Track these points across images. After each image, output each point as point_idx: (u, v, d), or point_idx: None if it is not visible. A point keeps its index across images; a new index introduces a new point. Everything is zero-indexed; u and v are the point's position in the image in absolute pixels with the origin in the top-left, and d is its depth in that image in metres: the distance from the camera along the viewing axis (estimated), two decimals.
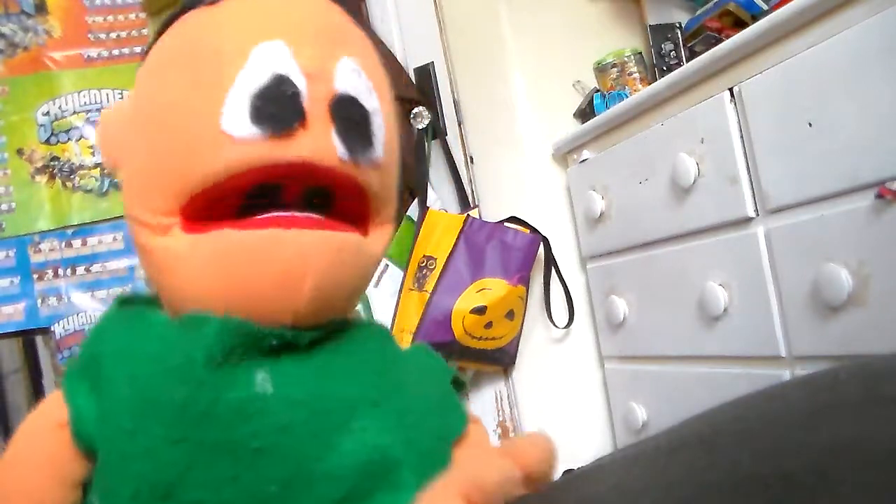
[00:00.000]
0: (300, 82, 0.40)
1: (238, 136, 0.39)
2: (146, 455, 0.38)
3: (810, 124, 0.86)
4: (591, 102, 1.43)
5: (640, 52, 1.43)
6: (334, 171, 0.41)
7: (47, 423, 0.42)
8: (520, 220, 1.43)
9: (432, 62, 1.57)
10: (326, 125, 0.40)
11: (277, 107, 0.39)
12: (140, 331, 0.42)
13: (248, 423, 0.37)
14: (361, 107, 0.42)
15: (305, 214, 0.41)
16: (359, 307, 1.54)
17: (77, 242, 2.18)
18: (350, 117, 0.41)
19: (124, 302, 0.47)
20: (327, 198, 0.43)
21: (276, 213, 0.41)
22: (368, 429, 0.40)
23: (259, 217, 0.40)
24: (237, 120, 0.39)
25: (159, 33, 0.46)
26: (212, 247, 0.40)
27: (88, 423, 0.40)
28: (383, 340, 0.48)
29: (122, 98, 2.26)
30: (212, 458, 0.37)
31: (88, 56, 2.23)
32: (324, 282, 0.40)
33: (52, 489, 0.41)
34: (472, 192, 1.52)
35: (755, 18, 1.15)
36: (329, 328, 0.42)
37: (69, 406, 0.41)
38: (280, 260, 0.39)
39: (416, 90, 1.57)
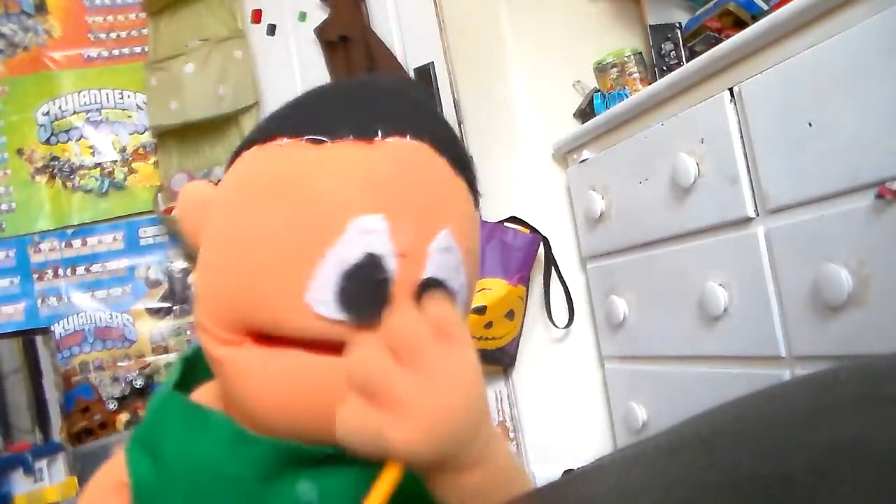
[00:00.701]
0: (392, 265, 0.39)
1: (322, 314, 0.39)
2: None
3: (810, 124, 0.86)
4: (591, 102, 1.43)
5: (640, 52, 1.43)
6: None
7: (112, 480, 0.45)
8: (520, 220, 1.43)
9: (432, 62, 1.57)
10: (409, 306, 0.40)
11: (364, 293, 0.38)
12: (199, 433, 0.43)
13: None
14: (447, 290, 0.41)
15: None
16: None
17: (77, 242, 2.18)
18: (434, 298, 0.40)
19: (189, 360, 0.49)
20: None
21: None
22: None
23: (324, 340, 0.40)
24: (323, 298, 0.39)
25: (253, 139, 0.45)
26: (285, 365, 0.40)
27: (147, 491, 0.43)
28: None
29: (121, 98, 2.26)
30: None
31: (88, 56, 2.24)
32: None
33: None
34: None
35: (755, 18, 1.15)
36: None
37: (130, 472, 0.44)
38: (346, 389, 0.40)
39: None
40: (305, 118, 0.43)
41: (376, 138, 0.41)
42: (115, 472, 0.45)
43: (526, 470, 0.43)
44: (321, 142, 0.41)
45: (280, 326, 0.40)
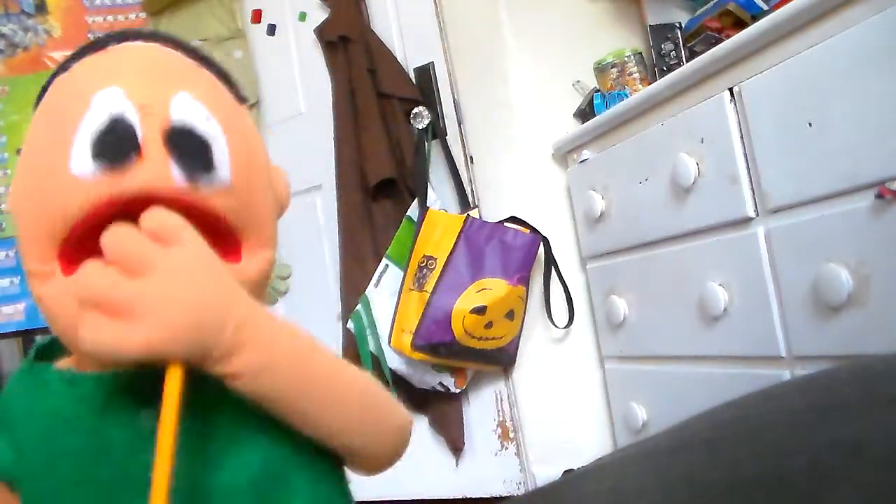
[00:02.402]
0: (134, 118, 0.43)
1: (81, 176, 0.42)
2: (55, 495, 0.43)
3: (810, 124, 0.86)
4: (591, 102, 1.43)
5: (640, 52, 1.43)
6: (175, 197, 0.43)
7: None
8: (520, 220, 1.43)
9: (432, 62, 1.57)
10: (162, 154, 0.42)
11: (113, 142, 0.42)
12: (40, 388, 0.46)
13: (138, 457, 0.41)
14: (196, 135, 0.44)
15: None
16: (359, 308, 1.55)
17: None
18: (186, 144, 0.43)
19: (47, 345, 0.51)
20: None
21: None
22: (255, 448, 0.44)
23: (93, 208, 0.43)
24: (81, 161, 0.42)
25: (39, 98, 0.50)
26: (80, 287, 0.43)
27: (6, 464, 0.45)
28: None
29: None
30: (110, 492, 0.43)
31: None
32: None
33: None
34: (472, 192, 1.52)
35: (755, 18, 1.15)
36: None
37: None
38: None
39: (417, 90, 1.57)
40: (69, 61, 0.49)
41: (109, 47, 0.48)
42: None
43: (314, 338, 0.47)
44: (69, 67, 0.48)
45: (62, 212, 0.42)
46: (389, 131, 1.57)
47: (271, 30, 1.92)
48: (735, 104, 0.98)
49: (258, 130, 0.54)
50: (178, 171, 0.42)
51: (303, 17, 1.82)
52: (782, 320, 0.94)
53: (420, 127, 1.53)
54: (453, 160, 1.53)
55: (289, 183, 0.54)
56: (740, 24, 1.17)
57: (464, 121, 1.54)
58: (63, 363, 0.48)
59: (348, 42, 1.64)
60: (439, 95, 1.56)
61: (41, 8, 2.23)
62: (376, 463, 0.48)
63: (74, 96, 0.45)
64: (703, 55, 1.03)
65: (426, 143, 1.53)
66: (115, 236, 0.40)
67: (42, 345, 0.51)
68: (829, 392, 0.34)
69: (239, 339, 0.40)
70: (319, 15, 1.75)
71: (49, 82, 0.50)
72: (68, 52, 0.49)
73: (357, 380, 0.47)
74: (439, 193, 1.54)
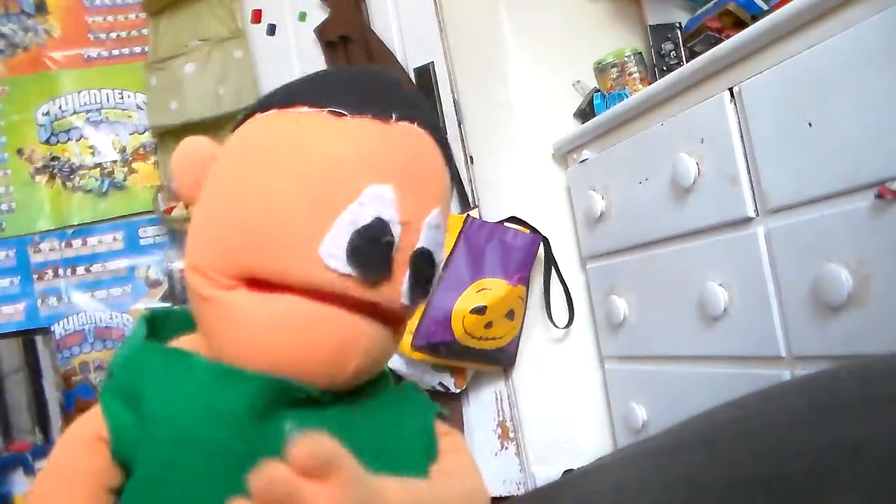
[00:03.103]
0: (397, 231, 0.44)
1: (330, 265, 0.42)
2: (183, 483, 0.42)
3: (810, 124, 0.86)
4: (591, 102, 1.43)
5: (640, 52, 1.43)
6: (395, 312, 0.46)
7: (87, 434, 0.45)
8: (520, 220, 1.43)
9: (432, 62, 1.57)
10: (404, 278, 0.45)
11: (373, 254, 0.43)
12: (182, 375, 0.44)
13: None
14: (433, 263, 0.47)
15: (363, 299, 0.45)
16: None
17: (77, 242, 2.18)
18: (423, 273, 0.46)
19: (151, 321, 0.50)
20: None
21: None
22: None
23: (325, 291, 0.44)
24: (335, 252, 0.42)
25: (271, 103, 0.48)
26: (280, 309, 0.43)
27: (127, 440, 0.43)
28: (385, 387, 0.52)
29: (121, 98, 2.26)
30: (237, 491, 0.40)
31: (88, 56, 2.23)
32: (365, 362, 0.45)
33: (91, 497, 0.44)
34: (472, 192, 1.52)
35: (755, 18, 1.15)
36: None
37: (108, 422, 0.44)
38: (340, 336, 0.43)
39: (416, 90, 1.57)
40: (329, 92, 0.47)
41: (391, 120, 0.46)
42: (89, 426, 0.45)
43: None
44: (341, 115, 0.45)
45: (288, 274, 0.43)
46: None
47: (271, 30, 1.92)
48: (735, 104, 0.98)
49: None
50: (406, 295, 0.45)
51: (303, 17, 1.82)
52: (782, 320, 0.94)
53: None
54: (453, 160, 1.53)
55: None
56: (740, 24, 1.17)
57: (464, 121, 1.54)
58: (192, 346, 0.47)
59: (348, 42, 1.64)
60: (439, 95, 1.56)
61: (41, 8, 2.23)
62: None
63: (344, 171, 0.44)
64: (703, 55, 1.03)
65: None
66: (263, 480, 0.35)
67: (149, 317, 0.50)
68: (829, 392, 0.34)
69: None
70: (319, 15, 1.75)
71: (296, 97, 0.47)
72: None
73: None
74: None
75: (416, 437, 0.50)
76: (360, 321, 0.44)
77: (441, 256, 0.49)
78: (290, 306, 0.43)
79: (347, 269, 0.42)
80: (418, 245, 0.45)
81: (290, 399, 0.43)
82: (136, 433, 0.43)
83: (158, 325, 0.50)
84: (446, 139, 0.51)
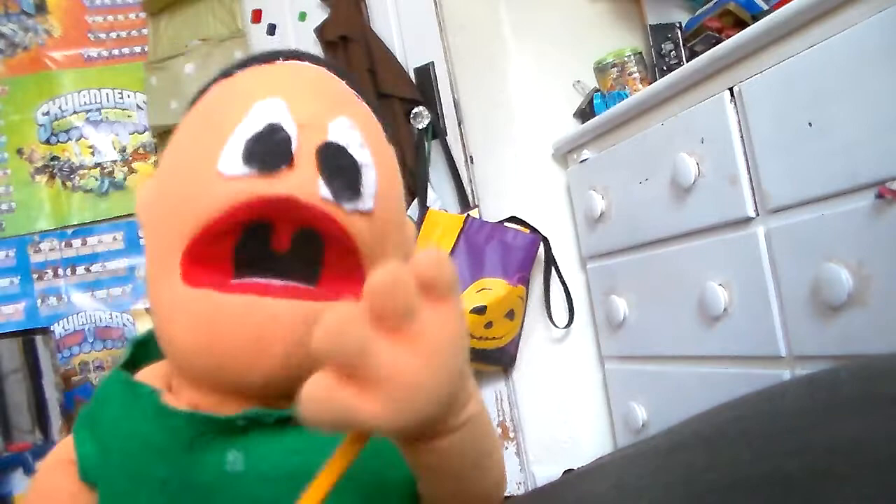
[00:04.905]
0: (292, 130, 0.43)
1: (229, 175, 0.42)
2: None
3: (810, 124, 0.86)
4: (591, 102, 1.43)
5: (640, 52, 1.43)
6: (317, 209, 0.42)
7: (63, 457, 0.47)
8: (520, 220, 1.43)
9: (432, 62, 1.57)
10: (313, 168, 0.43)
11: (267, 149, 0.42)
12: (131, 408, 0.46)
13: (220, 499, 0.41)
14: (350, 156, 0.44)
15: (285, 283, 0.44)
16: None
17: (77, 242, 2.19)
18: (337, 163, 0.44)
19: (145, 343, 0.52)
20: (319, 252, 0.45)
21: (257, 280, 0.44)
22: (343, 501, 0.41)
23: (241, 282, 0.44)
24: (231, 161, 0.43)
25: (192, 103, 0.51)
26: (198, 305, 0.43)
27: (91, 467, 0.46)
28: None
29: (121, 98, 2.26)
30: None
31: (88, 56, 2.24)
32: (295, 349, 0.42)
33: None
34: (472, 192, 1.52)
35: (755, 18, 1.15)
36: None
37: (76, 449, 0.47)
38: (253, 325, 0.42)
39: (417, 90, 1.57)
40: (233, 66, 0.51)
41: (277, 61, 0.49)
42: (63, 450, 0.48)
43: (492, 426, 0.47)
44: (233, 73, 0.49)
45: (199, 206, 0.43)
46: (389, 131, 1.57)
47: (271, 30, 1.92)
48: (735, 104, 0.98)
49: None
50: (325, 187, 0.42)
51: (303, 16, 1.82)
52: (782, 320, 0.94)
53: (420, 127, 1.53)
54: (453, 160, 1.53)
55: (414, 235, 0.54)
56: (740, 24, 1.17)
57: (464, 121, 1.54)
58: (155, 377, 0.48)
59: (348, 42, 1.64)
60: (439, 95, 1.56)
61: (41, 8, 2.23)
62: None
63: (235, 101, 0.45)
64: (703, 55, 1.03)
65: (426, 143, 1.53)
66: (388, 281, 0.31)
67: (139, 340, 0.52)
68: (829, 392, 0.34)
69: (457, 422, 0.38)
70: (319, 15, 1.75)
71: (208, 86, 0.51)
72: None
73: (496, 439, 0.46)
74: (439, 193, 1.54)
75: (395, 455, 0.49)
76: (276, 303, 0.42)
77: (365, 155, 0.45)
78: (205, 302, 0.43)
79: (244, 168, 0.42)
80: (325, 139, 0.44)
81: (231, 428, 0.43)
82: (97, 462, 0.45)
83: (152, 347, 0.50)
84: (351, 77, 0.51)
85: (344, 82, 0.50)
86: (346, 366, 0.31)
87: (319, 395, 0.31)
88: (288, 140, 0.43)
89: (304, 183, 0.42)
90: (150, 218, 0.49)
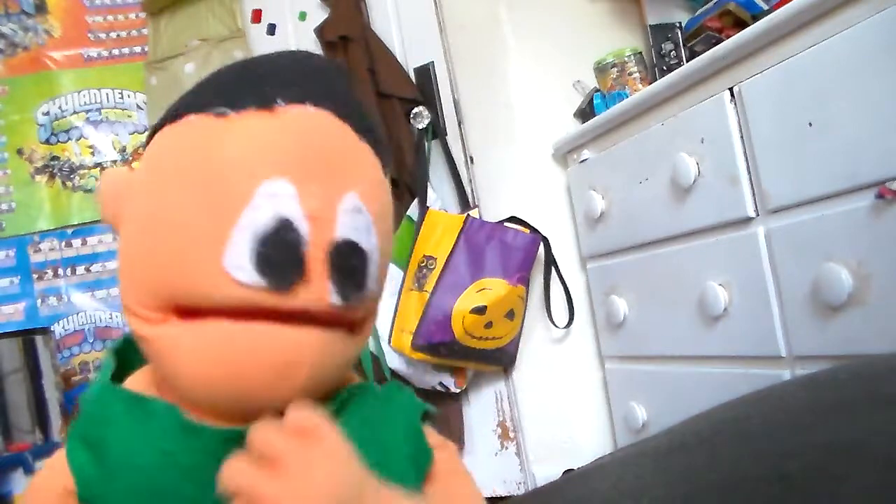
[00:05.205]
0: (303, 228, 0.41)
1: (240, 280, 0.40)
2: None
3: (810, 124, 0.86)
4: (591, 102, 1.43)
5: (640, 52, 1.43)
6: (327, 314, 0.42)
7: (56, 487, 0.45)
8: (520, 220, 1.43)
9: (432, 62, 1.57)
10: (324, 279, 0.41)
11: (280, 257, 0.40)
12: (144, 425, 0.44)
13: None
14: (360, 252, 0.43)
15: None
16: None
17: (77, 242, 2.18)
18: (347, 266, 0.42)
19: (122, 351, 0.50)
20: None
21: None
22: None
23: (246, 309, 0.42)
24: (240, 263, 0.40)
25: (164, 120, 0.47)
26: (210, 336, 0.41)
27: (93, 492, 0.43)
28: (363, 400, 0.50)
29: (121, 98, 2.26)
30: None
31: (88, 56, 2.23)
32: (315, 373, 0.42)
33: None
34: (472, 192, 1.52)
35: (755, 18, 1.15)
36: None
37: (74, 473, 0.44)
38: (280, 353, 0.41)
39: (417, 90, 1.57)
40: (210, 94, 0.45)
41: (278, 107, 0.43)
42: (58, 477, 0.45)
43: None
44: (225, 114, 0.43)
45: (201, 295, 0.41)
46: (389, 131, 1.57)
47: (271, 30, 1.92)
48: (735, 104, 0.98)
49: None
50: (335, 294, 0.41)
51: (303, 16, 1.82)
52: (782, 320, 0.94)
53: (420, 127, 1.53)
54: (453, 160, 1.53)
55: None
56: (740, 24, 1.17)
57: (464, 121, 1.54)
58: (142, 385, 0.47)
59: (348, 42, 1.64)
60: (439, 95, 1.56)
61: (41, 8, 2.23)
62: None
63: (236, 174, 0.41)
64: (703, 55, 1.03)
65: (426, 143, 1.53)
66: (260, 433, 0.39)
67: (118, 348, 0.50)
68: (830, 392, 0.34)
69: None
70: (319, 15, 1.75)
71: (177, 113, 0.45)
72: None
73: None
74: (439, 193, 1.54)
75: (402, 446, 0.49)
76: (298, 332, 0.41)
77: (372, 241, 0.44)
78: (218, 333, 0.41)
79: (257, 280, 0.40)
80: (335, 237, 0.41)
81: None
82: (102, 485, 0.43)
83: (130, 354, 0.49)
84: (358, 110, 0.47)
85: (348, 124, 0.45)
86: (243, 496, 0.38)
87: None
88: (299, 245, 0.40)
89: (316, 296, 0.41)
90: (126, 249, 0.46)
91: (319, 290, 0.41)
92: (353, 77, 0.51)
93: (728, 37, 1.03)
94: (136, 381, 0.48)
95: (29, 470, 1.74)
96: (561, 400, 1.46)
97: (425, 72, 1.58)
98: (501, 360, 1.44)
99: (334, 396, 0.47)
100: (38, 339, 2.00)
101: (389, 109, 1.58)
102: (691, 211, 1.08)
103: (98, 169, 2.22)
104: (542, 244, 1.41)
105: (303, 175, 0.41)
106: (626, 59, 1.42)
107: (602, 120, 1.29)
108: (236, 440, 0.41)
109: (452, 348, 1.35)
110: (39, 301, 2.16)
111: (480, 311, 1.33)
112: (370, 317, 0.48)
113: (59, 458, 0.45)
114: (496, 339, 1.37)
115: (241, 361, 0.41)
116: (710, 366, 1.09)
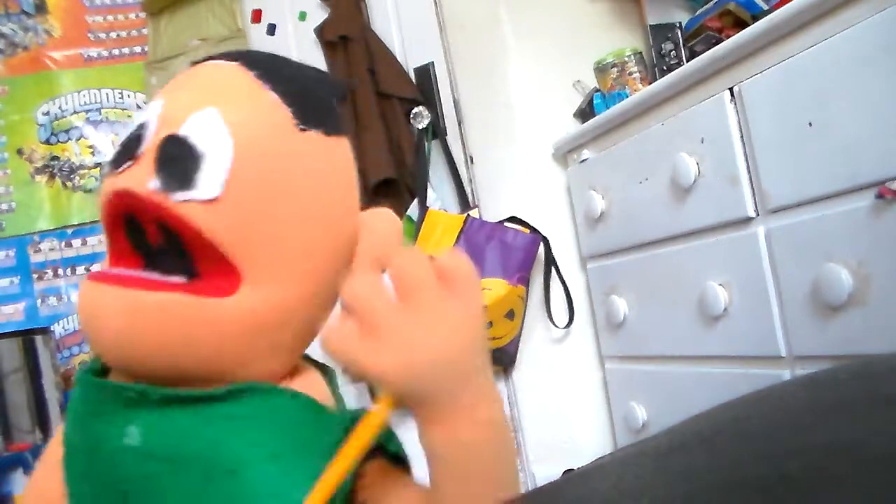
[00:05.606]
0: (153, 127, 0.46)
1: (107, 171, 0.47)
2: (70, 484, 0.46)
3: (810, 124, 0.86)
4: (591, 102, 1.43)
5: (640, 52, 1.43)
6: (144, 199, 0.43)
7: (56, 453, 0.49)
8: (520, 220, 1.43)
9: (432, 62, 1.57)
10: (151, 162, 0.44)
11: (123, 147, 0.46)
12: (78, 396, 0.49)
13: (118, 470, 0.43)
14: (189, 146, 0.44)
15: (150, 275, 0.45)
16: None
17: (77, 242, 2.19)
18: (171, 154, 0.44)
19: None
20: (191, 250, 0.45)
21: (126, 271, 0.46)
22: (260, 481, 0.42)
23: (108, 272, 0.46)
24: (108, 162, 0.47)
25: None
26: (80, 292, 0.47)
27: (67, 451, 0.49)
28: (291, 405, 0.48)
29: (121, 98, 2.26)
30: (102, 491, 0.44)
31: (88, 56, 2.24)
32: (120, 338, 0.43)
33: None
34: (472, 192, 1.52)
35: (755, 18, 1.15)
36: (227, 388, 0.45)
37: (64, 439, 0.49)
38: (83, 313, 0.46)
39: (417, 90, 1.57)
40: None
41: (202, 63, 0.51)
42: (58, 445, 0.49)
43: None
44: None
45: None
46: (389, 131, 1.57)
47: (271, 30, 1.92)
48: (735, 104, 0.98)
49: None
50: (154, 178, 0.43)
51: (303, 16, 1.82)
52: (782, 320, 0.94)
53: (420, 127, 1.53)
54: (453, 160, 1.53)
55: (392, 229, 0.51)
56: (740, 24, 1.17)
57: (464, 121, 1.54)
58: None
59: (348, 42, 1.64)
60: (439, 95, 1.56)
61: (41, 8, 2.23)
62: None
63: (149, 105, 0.49)
64: (703, 55, 1.03)
65: (426, 143, 1.53)
66: (409, 262, 0.40)
67: None
68: (830, 392, 0.34)
69: (473, 406, 0.41)
70: (319, 15, 1.75)
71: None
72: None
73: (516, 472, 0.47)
74: (439, 193, 1.54)
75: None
76: (107, 294, 0.44)
77: (216, 148, 0.44)
78: (82, 289, 0.46)
79: (110, 168, 0.46)
80: (172, 133, 0.44)
81: (127, 400, 0.44)
82: (67, 444, 0.48)
83: None
84: (273, 64, 0.50)
85: (254, 74, 0.48)
86: (364, 319, 0.38)
87: (336, 338, 0.38)
88: (139, 137, 0.45)
89: (140, 176, 0.44)
90: None
91: (141, 173, 0.44)
92: (324, 77, 0.53)
93: (728, 37, 1.03)
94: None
95: (29, 470, 1.74)
96: (561, 400, 1.46)
97: (425, 72, 1.58)
98: (501, 360, 1.44)
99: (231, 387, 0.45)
100: (38, 339, 2.00)
101: (389, 109, 1.58)
102: (691, 211, 1.08)
103: (98, 169, 2.22)
104: (542, 244, 1.41)
105: (174, 92, 0.48)
106: (626, 59, 1.42)
107: (602, 120, 1.29)
108: (104, 391, 0.45)
109: None
110: (39, 301, 2.16)
111: None
112: (262, 275, 0.45)
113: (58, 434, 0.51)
114: (496, 339, 1.37)
115: (83, 319, 0.45)
116: (710, 366, 1.09)
